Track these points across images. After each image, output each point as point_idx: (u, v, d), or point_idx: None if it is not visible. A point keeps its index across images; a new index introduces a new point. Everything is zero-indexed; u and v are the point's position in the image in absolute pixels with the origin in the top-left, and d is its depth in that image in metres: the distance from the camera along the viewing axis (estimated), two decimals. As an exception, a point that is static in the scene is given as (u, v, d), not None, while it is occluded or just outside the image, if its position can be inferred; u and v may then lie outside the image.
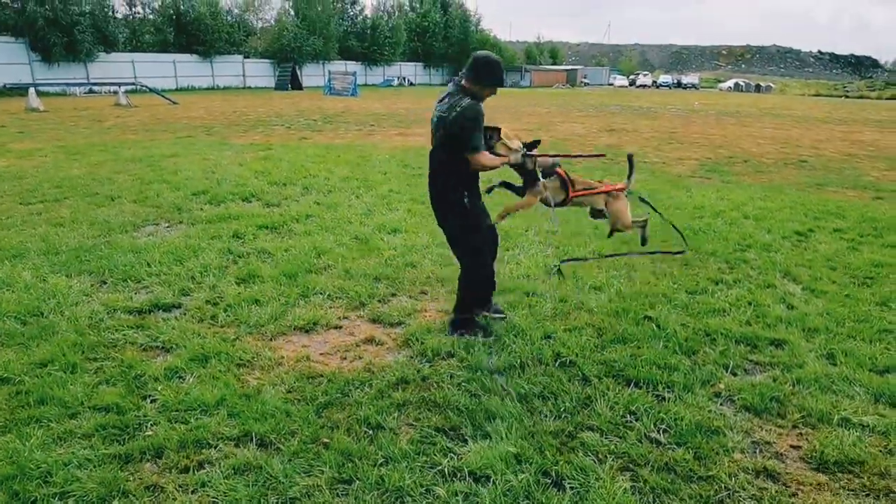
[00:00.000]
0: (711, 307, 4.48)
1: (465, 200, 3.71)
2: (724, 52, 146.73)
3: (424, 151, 12.68)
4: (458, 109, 3.50)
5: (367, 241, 5.92)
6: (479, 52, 3.69)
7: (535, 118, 22.88)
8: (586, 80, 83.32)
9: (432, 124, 3.71)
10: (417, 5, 69.83)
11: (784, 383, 3.45)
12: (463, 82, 3.62)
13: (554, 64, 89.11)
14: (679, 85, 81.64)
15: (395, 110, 24.88)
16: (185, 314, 4.30)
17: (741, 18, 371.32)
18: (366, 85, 54.93)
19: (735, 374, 3.57)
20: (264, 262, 5.34)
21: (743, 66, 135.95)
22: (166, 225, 6.63)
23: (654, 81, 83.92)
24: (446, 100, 3.61)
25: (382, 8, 66.68)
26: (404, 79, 60.96)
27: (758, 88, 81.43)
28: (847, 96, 70.72)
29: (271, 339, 3.95)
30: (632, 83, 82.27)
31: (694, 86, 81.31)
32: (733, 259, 5.70)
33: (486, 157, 3.63)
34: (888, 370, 3.64)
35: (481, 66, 3.56)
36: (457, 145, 3.57)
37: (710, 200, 8.37)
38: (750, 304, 4.59)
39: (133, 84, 31.98)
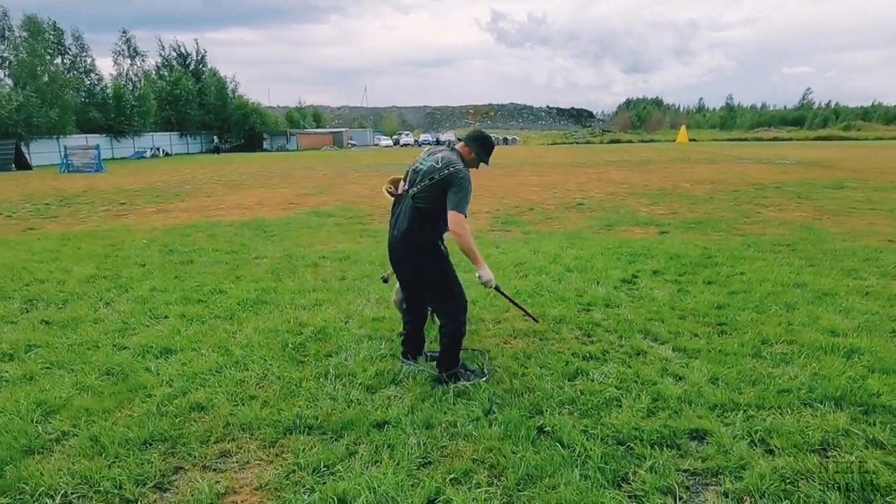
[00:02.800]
0: (602, 397, 3.64)
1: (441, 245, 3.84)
2: (471, 110, 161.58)
3: (192, 231, 10.81)
4: (457, 169, 3.65)
5: (125, 375, 4.11)
6: (482, 131, 3.97)
7: (313, 181, 21.69)
8: (353, 142, 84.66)
9: (417, 173, 3.79)
10: (166, 73, 65.14)
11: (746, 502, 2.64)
12: (458, 147, 3.90)
13: (318, 127, 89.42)
14: (438, 142, 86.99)
15: (150, 184, 21.85)
16: None
17: (481, 83, 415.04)
18: (114, 159, 49.03)
19: (683, 502, 2.69)
20: (-54, 445, 3.30)
21: (489, 122, 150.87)
22: None
23: (417, 140, 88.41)
24: (440, 156, 3.76)
25: (125, 76, 60.85)
26: (158, 149, 55.77)
27: (505, 141, 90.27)
28: (577, 143, 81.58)
29: None
30: (396, 142, 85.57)
31: (451, 142, 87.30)
32: (585, 324, 5.03)
33: (467, 227, 3.62)
34: (825, 446, 3.07)
35: (487, 144, 3.90)
36: (440, 198, 3.64)
37: (524, 255, 7.91)
38: (636, 382, 3.86)
39: None
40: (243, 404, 3.67)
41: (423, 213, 3.70)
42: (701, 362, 4.16)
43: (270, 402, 3.68)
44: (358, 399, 3.70)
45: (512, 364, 4.19)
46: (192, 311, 5.59)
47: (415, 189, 3.74)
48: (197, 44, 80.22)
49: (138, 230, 10.95)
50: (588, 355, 4.34)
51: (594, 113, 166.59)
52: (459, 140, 4.10)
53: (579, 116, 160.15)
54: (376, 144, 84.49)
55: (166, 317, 5.46)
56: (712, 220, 10.79)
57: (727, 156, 35.15)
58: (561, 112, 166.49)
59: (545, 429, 3.25)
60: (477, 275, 3.81)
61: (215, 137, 64.14)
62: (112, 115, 52.52)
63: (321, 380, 4.00)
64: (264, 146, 70.69)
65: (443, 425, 3.34)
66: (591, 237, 9.26)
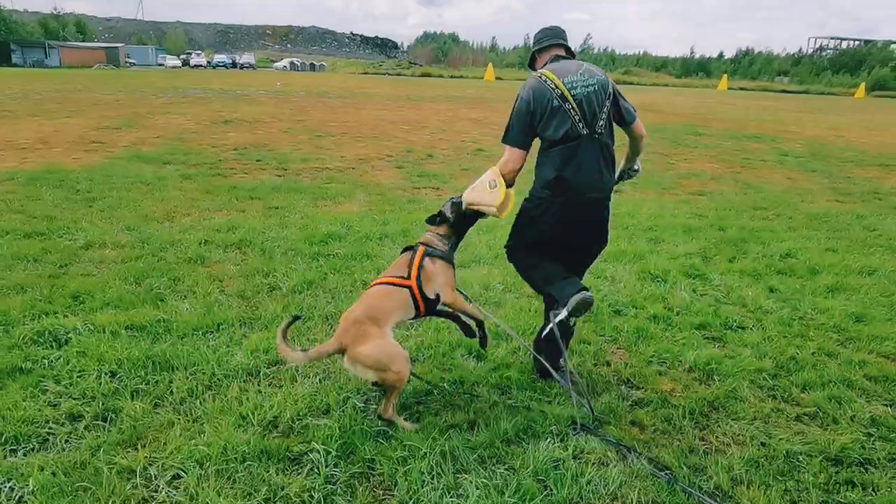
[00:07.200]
0: None
1: None
2: (269, 31, 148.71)
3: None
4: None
5: None
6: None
7: (108, 109, 16.74)
8: (131, 60, 72.54)
9: (591, 99, 2.77)
10: None
11: None
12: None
13: (84, 40, 75.19)
14: (235, 65, 78.09)
15: None
16: None
17: (276, 3, 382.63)
18: None
19: None
20: None
21: (289, 45, 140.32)
22: None
23: (209, 61, 78.44)
24: (587, 66, 2.89)
25: None
26: None
27: (312, 67, 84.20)
28: (388, 73, 78.45)
29: None
30: (185, 63, 75.07)
31: (251, 65, 78.88)
32: (756, 380, 3.21)
33: None
34: None
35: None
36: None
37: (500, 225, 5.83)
38: None
39: None
40: None
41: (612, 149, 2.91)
42: None
43: None
44: None
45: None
46: None
47: (602, 122, 2.80)
48: None
49: None
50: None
51: (398, 44, 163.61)
52: (554, 46, 3.06)
53: (384, 46, 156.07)
54: (160, 64, 73.30)
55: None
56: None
57: (552, 95, 35.28)
58: (366, 40, 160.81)
59: None
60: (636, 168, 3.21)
61: None
62: None
63: None
64: (13, 60, 57.35)
65: None
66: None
